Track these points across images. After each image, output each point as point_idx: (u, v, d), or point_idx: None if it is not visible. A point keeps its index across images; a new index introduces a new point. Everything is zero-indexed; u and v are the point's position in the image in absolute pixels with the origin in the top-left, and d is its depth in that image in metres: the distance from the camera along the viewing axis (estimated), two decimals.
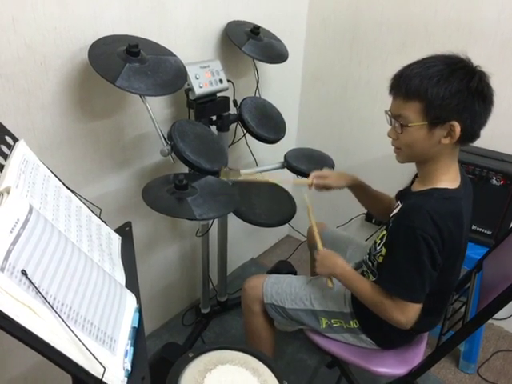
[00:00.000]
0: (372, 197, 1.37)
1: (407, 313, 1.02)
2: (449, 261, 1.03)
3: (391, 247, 1.06)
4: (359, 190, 1.36)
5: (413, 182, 1.19)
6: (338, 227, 2.08)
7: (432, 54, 0.98)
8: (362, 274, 1.21)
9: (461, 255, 1.10)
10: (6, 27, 1.00)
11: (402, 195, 1.20)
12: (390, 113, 1.03)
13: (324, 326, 1.24)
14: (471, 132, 0.96)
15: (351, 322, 1.21)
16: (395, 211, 1.14)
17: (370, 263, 1.19)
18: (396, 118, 1.00)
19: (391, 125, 1.04)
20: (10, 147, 0.81)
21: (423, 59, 0.98)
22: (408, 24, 1.72)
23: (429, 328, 1.22)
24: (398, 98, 0.99)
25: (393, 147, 1.07)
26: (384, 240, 1.12)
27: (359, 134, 2.03)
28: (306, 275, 1.40)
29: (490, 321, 1.58)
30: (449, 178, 1.03)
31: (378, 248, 1.15)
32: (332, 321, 1.23)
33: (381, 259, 1.13)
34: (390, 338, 1.20)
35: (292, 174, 1.63)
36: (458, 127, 0.93)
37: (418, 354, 1.23)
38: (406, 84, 0.95)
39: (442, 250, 0.98)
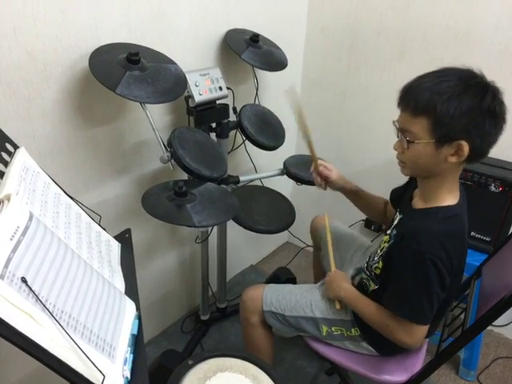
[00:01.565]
0: (367, 200, 1.37)
1: (414, 334, 1.02)
2: (455, 276, 1.02)
3: (398, 271, 1.04)
4: (354, 194, 1.37)
5: (408, 184, 1.18)
6: None
7: (445, 67, 0.94)
8: (362, 281, 1.21)
9: (464, 267, 1.10)
10: (7, 34, 1.01)
11: (400, 204, 1.19)
12: (397, 125, 0.99)
13: (324, 333, 1.24)
14: (480, 151, 0.93)
15: (352, 330, 1.21)
16: (395, 222, 1.13)
17: (368, 273, 1.19)
18: (403, 132, 0.96)
19: (398, 137, 1.00)
20: (11, 154, 0.81)
21: (435, 71, 0.93)
22: (406, 32, 1.73)
23: (428, 335, 1.21)
24: (406, 112, 0.94)
25: (397, 160, 1.04)
26: (382, 252, 1.12)
27: (358, 140, 2.03)
28: (306, 283, 1.39)
29: (489, 327, 1.57)
30: (451, 196, 1.02)
31: (375, 258, 1.15)
32: (333, 328, 1.23)
33: (378, 271, 1.13)
34: (390, 345, 1.19)
35: (291, 180, 1.64)
36: (466, 146, 0.90)
37: (418, 360, 1.22)
38: (414, 98, 0.91)
39: (451, 269, 0.97)
